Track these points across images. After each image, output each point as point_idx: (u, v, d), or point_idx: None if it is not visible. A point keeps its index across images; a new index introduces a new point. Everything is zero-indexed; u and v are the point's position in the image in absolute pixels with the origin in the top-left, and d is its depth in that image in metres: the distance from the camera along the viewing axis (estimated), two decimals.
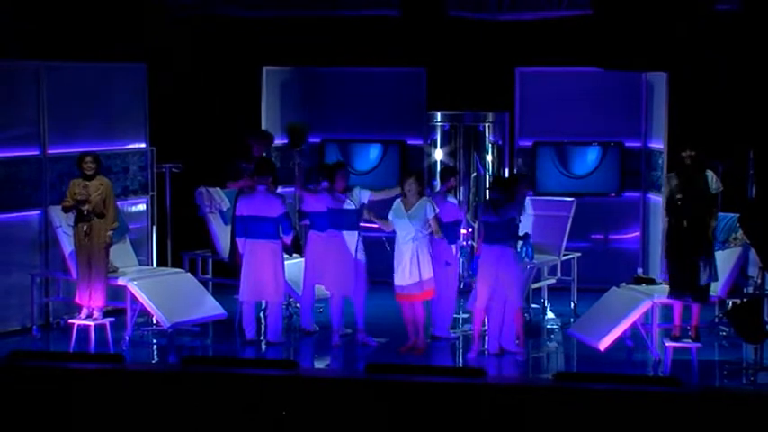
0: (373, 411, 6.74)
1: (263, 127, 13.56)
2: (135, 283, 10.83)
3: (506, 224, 10.09)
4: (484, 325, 10.51)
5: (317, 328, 11.17)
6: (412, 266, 10.20)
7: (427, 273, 10.23)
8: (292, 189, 12.96)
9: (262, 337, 11.13)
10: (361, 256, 10.57)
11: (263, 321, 11.42)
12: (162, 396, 6.95)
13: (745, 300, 10.26)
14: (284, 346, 11.00)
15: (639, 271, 11.89)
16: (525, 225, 11.26)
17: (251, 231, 10.61)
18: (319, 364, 10.53)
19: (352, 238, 10.56)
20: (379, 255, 11.15)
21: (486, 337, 10.51)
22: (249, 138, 11.63)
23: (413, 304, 10.36)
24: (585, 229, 13.43)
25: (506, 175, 13.22)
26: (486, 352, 10.36)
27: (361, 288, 10.66)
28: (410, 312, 10.38)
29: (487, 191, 10.94)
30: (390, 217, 10.35)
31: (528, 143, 13.67)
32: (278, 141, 13.83)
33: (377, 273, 11.09)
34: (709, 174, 9.95)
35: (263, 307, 11.32)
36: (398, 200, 10.38)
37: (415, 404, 6.75)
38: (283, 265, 10.72)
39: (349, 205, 10.59)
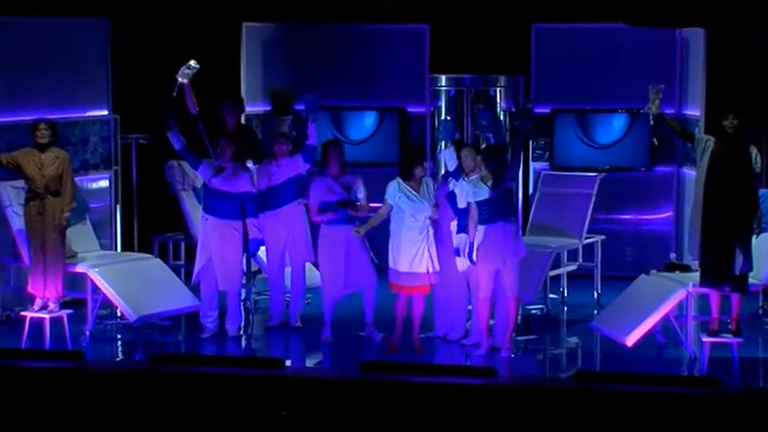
0: (369, 415, 6.75)
1: (242, 92, 13.53)
2: (96, 270, 10.82)
3: (504, 197, 10.09)
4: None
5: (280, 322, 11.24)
6: (429, 252, 10.22)
7: (437, 263, 10.28)
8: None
9: (243, 332, 11.16)
10: (365, 244, 10.59)
11: (245, 312, 11.45)
12: (127, 399, 6.96)
13: None
14: (270, 341, 11.03)
15: (672, 256, 11.89)
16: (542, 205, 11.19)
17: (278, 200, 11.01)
18: (309, 362, 10.54)
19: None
20: (381, 238, 11.13)
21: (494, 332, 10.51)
22: (221, 107, 11.60)
23: (412, 297, 10.35)
24: (611, 208, 13.41)
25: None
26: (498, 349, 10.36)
27: (371, 278, 10.65)
28: (406, 305, 10.37)
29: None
30: (393, 200, 10.33)
31: (545, 110, 13.64)
32: (260, 108, 13.81)
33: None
34: (754, 150, 9.94)
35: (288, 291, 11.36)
36: (398, 182, 10.35)
37: (417, 408, 6.76)
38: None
39: (346, 197, 10.58)
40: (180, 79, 11.22)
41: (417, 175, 10.30)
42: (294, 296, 11.30)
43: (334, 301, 10.75)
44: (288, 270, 11.32)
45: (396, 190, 10.34)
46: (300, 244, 11.16)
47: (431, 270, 10.29)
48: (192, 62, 11.24)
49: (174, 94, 11.17)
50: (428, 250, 10.27)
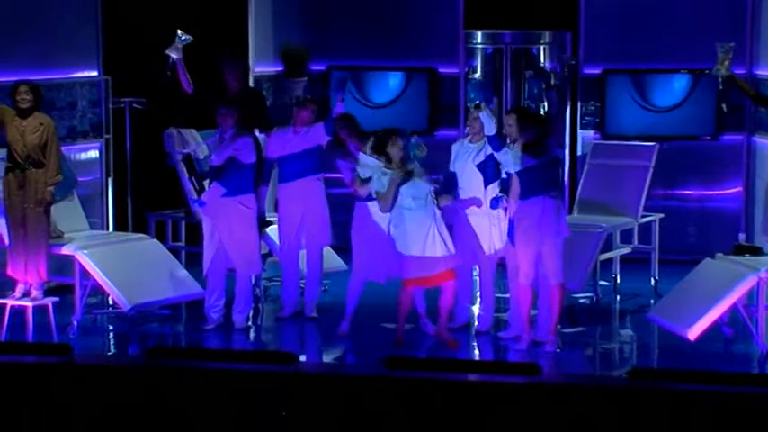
0: (393, 417, 6.76)
1: (250, 53, 13.51)
2: (85, 252, 10.85)
3: (548, 167, 10.05)
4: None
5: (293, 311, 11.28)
6: (441, 235, 10.19)
7: (452, 244, 10.24)
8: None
9: (250, 323, 11.19)
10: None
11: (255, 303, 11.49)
12: (120, 398, 6.99)
13: None
14: (281, 333, 11.06)
15: (741, 237, 11.84)
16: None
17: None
18: (326, 357, 10.56)
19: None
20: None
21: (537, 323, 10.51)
22: (223, 68, 11.56)
23: (441, 287, 10.30)
24: (671, 182, 13.37)
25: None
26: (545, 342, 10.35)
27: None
28: (411, 300, 10.35)
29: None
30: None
31: (596, 71, 13.59)
32: (270, 69, 13.79)
33: None
34: None
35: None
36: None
37: (448, 409, 6.76)
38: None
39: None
40: (173, 55, 11.18)
41: (393, 155, 10.26)
42: (310, 282, 11.30)
43: (362, 289, 10.69)
44: (302, 253, 11.32)
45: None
46: (318, 224, 11.15)
47: (446, 253, 10.20)
48: (180, 32, 11.18)
49: (169, 72, 11.16)
50: (439, 232, 10.20)
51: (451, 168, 10.67)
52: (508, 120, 10.35)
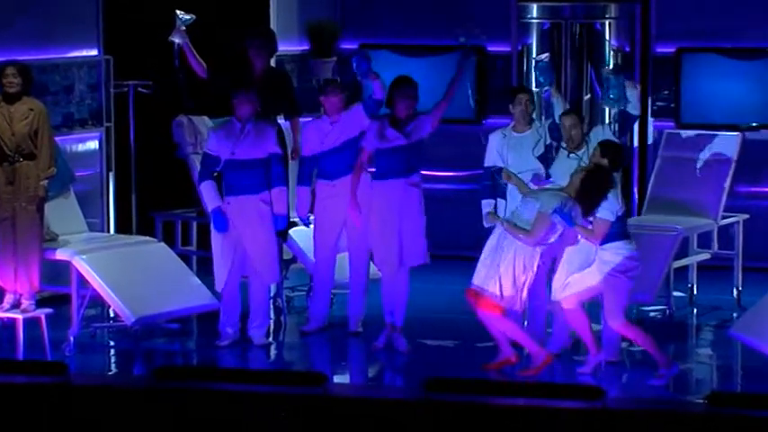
0: None
1: (272, 26, 13.56)
2: (83, 257, 10.91)
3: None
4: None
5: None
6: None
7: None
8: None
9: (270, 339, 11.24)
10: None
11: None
12: (123, 423, 7.03)
13: None
14: (308, 350, 11.08)
15: None
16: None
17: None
18: (359, 378, 10.60)
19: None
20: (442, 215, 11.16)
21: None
22: (247, 43, 11.59)
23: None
24: (756, 178, 13.34)
25: None
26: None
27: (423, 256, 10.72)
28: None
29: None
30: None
31: (669, 50, 13.59)
32: (294, 47, 13.83)
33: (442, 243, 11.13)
34: None
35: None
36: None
37: None
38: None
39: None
40: (177, 41, 11.22)
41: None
42: (355, 293, 11.22)
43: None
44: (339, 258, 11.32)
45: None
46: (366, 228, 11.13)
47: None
48: (179, 12, 11.20)
49: (176, 61, 11.21)
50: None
51: (491, 163, 10.62)
52: (567, 119, 10.36)
